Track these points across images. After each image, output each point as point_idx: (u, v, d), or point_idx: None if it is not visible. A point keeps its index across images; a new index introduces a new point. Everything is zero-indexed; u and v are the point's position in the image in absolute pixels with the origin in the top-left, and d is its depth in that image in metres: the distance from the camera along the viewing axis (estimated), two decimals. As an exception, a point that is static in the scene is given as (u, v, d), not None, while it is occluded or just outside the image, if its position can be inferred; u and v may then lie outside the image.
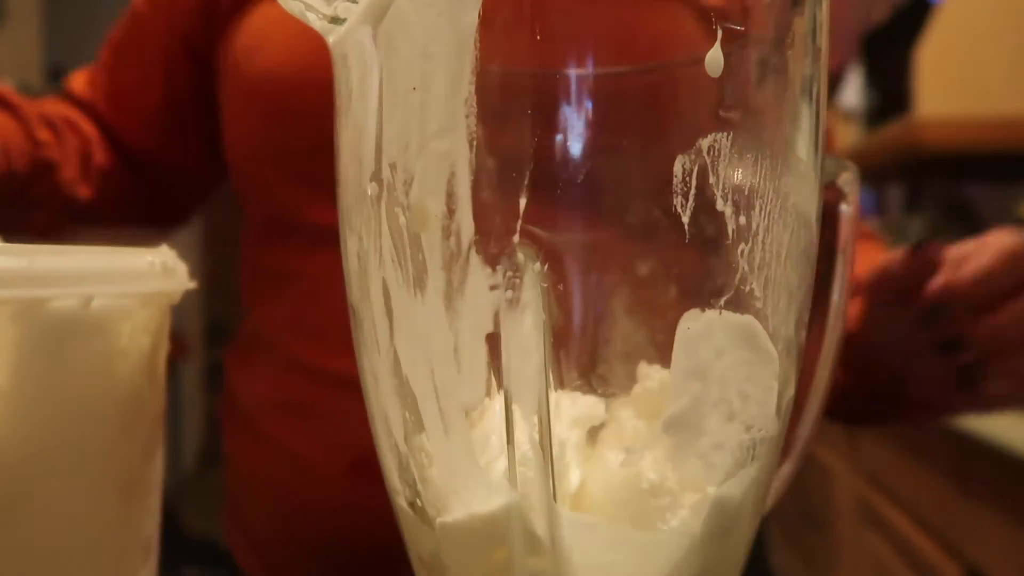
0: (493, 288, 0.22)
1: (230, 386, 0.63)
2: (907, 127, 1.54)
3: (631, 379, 0.28)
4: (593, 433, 0.27)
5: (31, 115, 0.59)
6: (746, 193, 0.23)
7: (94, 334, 0.28)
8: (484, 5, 0.21)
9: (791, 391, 0.25)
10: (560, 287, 0.28)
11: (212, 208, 0.76)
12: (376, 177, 0.23)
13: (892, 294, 0.48)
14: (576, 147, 0.24)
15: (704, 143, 0.23)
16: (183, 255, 0.33)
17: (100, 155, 0.64)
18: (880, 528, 1.43)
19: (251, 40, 0.58)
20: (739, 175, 0.23)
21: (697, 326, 0.23)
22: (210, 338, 3.77)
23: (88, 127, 0.65)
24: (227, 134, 0.61)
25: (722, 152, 0.23)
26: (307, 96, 0.49)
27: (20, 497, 0.27)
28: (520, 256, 0.21)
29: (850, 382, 0.54)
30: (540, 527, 0.22)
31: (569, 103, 0.24)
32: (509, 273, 0.21)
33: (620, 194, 0.26)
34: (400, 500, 0.25)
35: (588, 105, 0.24)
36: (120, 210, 0.66)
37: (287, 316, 0.58)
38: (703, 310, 0.23)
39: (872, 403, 0.56)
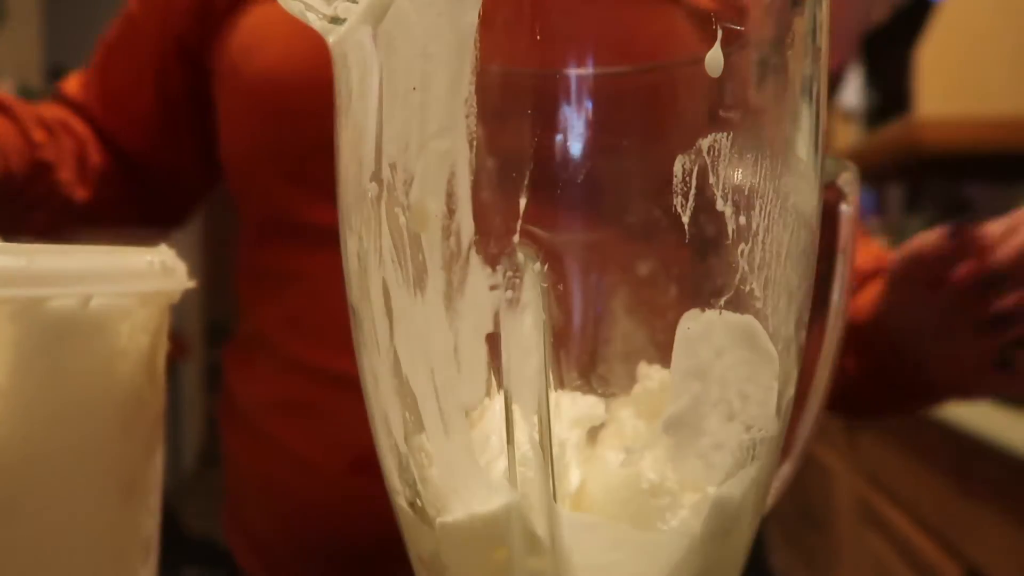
0: (493, 288, 0.22)
1: (229, 386, 0.63)
2: (907, 127, 1.54)
3: (631, 379, 0.28)
4: (593, 433, 0.27)
5: (26, 117, 0.59)
6: (746, 193, 0.23)
7: (93, 334, 0.28)
8: (484, 5, 0.21)
9: (791, 391, 0.25)
10: (560, 287, 0.28)
11: (212, 208, 0.76)
12: (376, 177, 0.23)
13: (924, 277, 0.48)
14: (576, 147, 0.24)
15: (704, 143, 0.23)
16: (183, 255, 0.33)
17: (95, 157, 0.64)
18: (880, 528, 1.43)
19: (249, 40, 0.57)
20: (739, 175, 0.23)
21: (697, 326, 0.23)
22: (210, 338, 3.77)
23: (82, 129, 0.65)
24: (223, 134, 0.61)
25: (722, 152, 0.23)
26: (306, 96, 0.50)
27: (20, 497, 0.27)
28: (520, 256, 0.21)
29: (861, 372, 0.54)
30: (540, 527, 0.22)
31: (569, 103, 0.24)
32: (509, 273, 0.21)
33: (620, 194, 0.26)
34: (400, 500, 0.25)
35: (588, 105, 0.24)
36: (118, 211, 0.66)
37: (286, 316, 0.58)
38: (703, 310, 0.23)
39: (883, 392, 0.56)
